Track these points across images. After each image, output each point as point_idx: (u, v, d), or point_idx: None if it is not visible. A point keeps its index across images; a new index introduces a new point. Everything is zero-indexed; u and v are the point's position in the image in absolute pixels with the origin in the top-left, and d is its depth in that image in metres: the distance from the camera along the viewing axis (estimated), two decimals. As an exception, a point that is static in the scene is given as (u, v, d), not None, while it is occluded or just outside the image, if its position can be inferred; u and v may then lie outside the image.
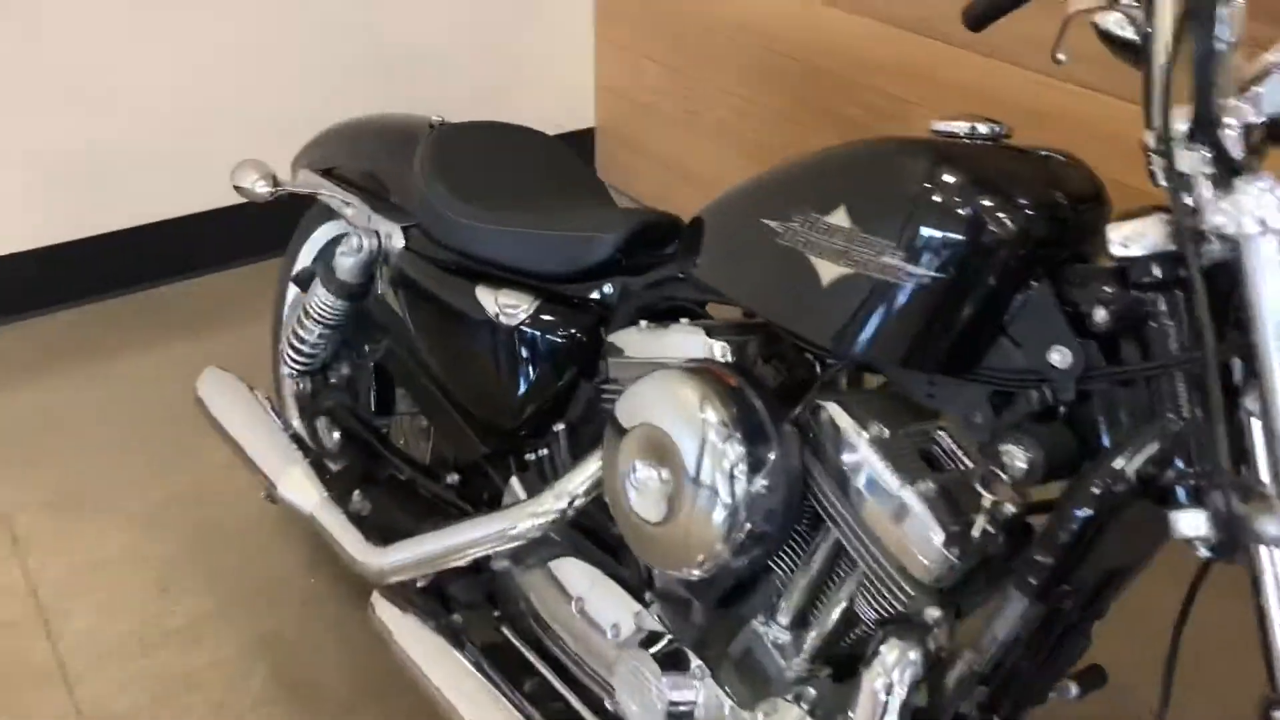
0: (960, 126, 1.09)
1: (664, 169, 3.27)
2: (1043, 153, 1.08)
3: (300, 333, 1.77)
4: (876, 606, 1.11)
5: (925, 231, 1.02)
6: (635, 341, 1.34)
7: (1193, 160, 0.91)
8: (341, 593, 1.96)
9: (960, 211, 1.01)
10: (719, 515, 1.12)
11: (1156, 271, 0.94)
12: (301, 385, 1.85)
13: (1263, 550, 0.87)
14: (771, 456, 1.13)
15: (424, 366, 1.62)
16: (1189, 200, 0.91)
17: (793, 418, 1.16)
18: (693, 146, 3.19)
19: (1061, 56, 1.22)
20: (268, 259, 2.99)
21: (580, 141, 3.48)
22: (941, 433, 1.13)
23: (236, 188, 1.83)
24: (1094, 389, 0.99)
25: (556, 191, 1.62)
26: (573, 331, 1.45)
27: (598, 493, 1.38)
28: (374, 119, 1.89)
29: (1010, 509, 1.02)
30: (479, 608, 1.58)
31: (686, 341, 1.28)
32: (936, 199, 1.02)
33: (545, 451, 1.51)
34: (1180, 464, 0.94)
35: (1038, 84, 2.26)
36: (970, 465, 1.11)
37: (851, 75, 2.64)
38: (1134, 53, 1.08)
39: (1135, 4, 1.10)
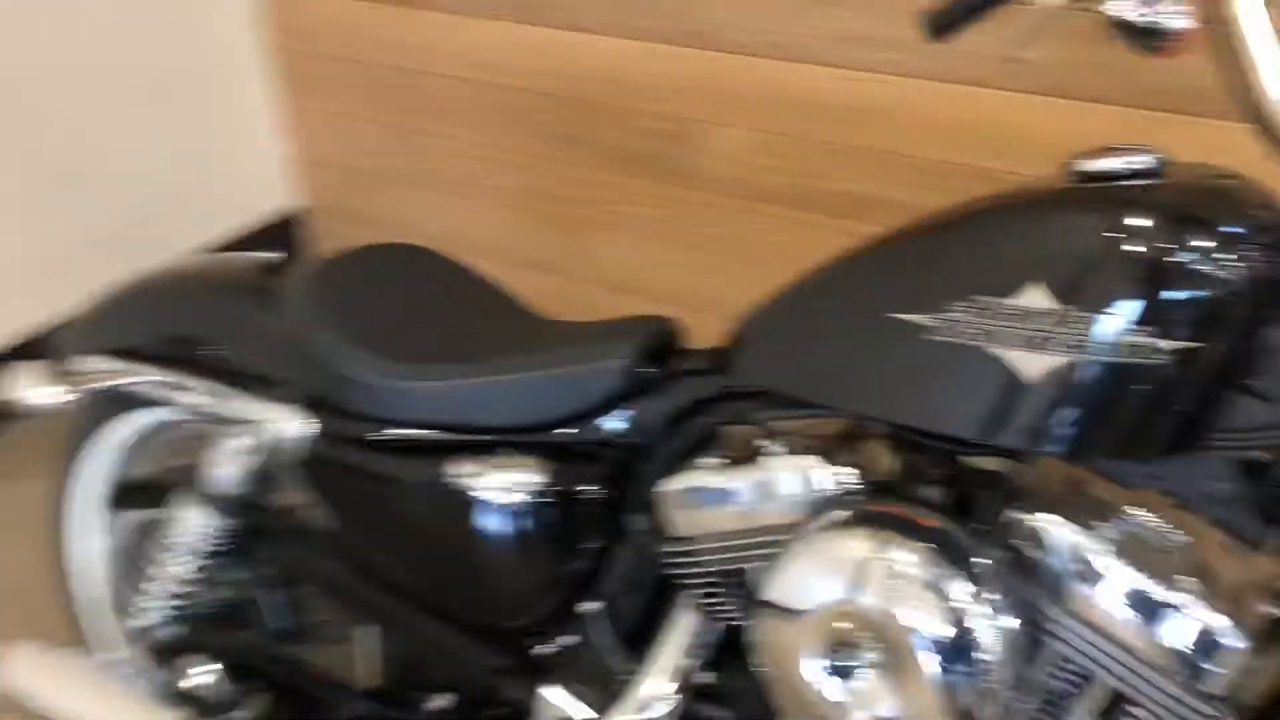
0: (1114, 162, 0.93)
1: (406, 239, 2.92)
2: (1212, 173, 0.93)
3: (169, 571, 1.32)
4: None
5: (1167, 295, 0.85)
6: (713, 491, 1.08)
7: None
8: None
9: (1199, 263, 0.85)
10: (974, 685, 0.90)
11: None
12: (168, 634, 1.40)
13: None
14: (1006, 598, 0.92)
15: (375, 575, 1.26)
16: None
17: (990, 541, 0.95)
18: (438, 208, 2.86)
19: (1020, 53, 1.10)
20: None
21: (286, 227, 3.05)
22: (1142, 512, 0.97)
23: (18, 404, 1.35)
24: None
25: (491, 318, 1.30)
26: (594, 489, 1.16)
27: (692, 685, 1.11)
28: (171, 274, 1.46)
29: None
30: None
31: (796, 474, 1.04)
32: (1169, 255, 0.85)
33: (570, 641, 1.21)
34: None
35: (840, 79, 2.17)
36: (1185, 541, 0.95)
37: (622, 101, 2.44)
38: (1148, 38, 0.98)
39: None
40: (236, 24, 2.81)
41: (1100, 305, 0.86)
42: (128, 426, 1.48)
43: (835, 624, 0.94)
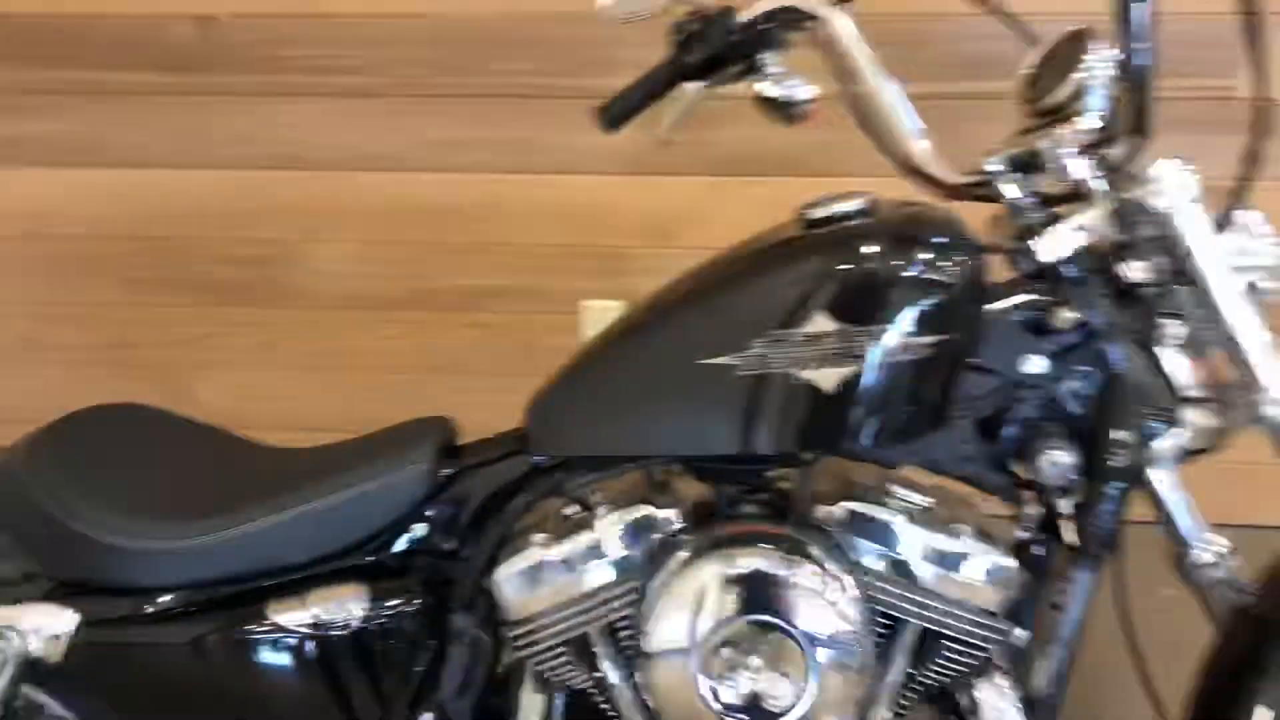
0: (836, 206, 1.12)
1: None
2: (908, 203, 1.16)
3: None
4: (969, 660, 1.13)
5: (918, 302, 1.05)
6: (552, 564, 1.13)
7: (1083, 168, 1.08)
8: None
9: (935, 273, 1.06)
10: (850, 657, 1.05)
11: (1077, 267, 1.10)
12: None
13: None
14: (850, 577, 1.08)
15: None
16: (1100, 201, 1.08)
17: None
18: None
19: (672, 135, 1.30)
20: None
21: None
22: (907, 483, 1.18)
23: None
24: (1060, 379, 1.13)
25: (245, 459, 1.25)
26: (417, 598, 1.16)
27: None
28: None
29: (1059, 505, 1.13)
30: None
31: (622, 529, 1.12)
32: (913, 270, 1.06)
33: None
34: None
35: (438, 182, 2.27)
36: (946, 497, 1.18)
37: (208, 232, 2.35)
38: (786, 109, 1.20)
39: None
40: None
41: (871, 318, 1.05)
42: None
43: (720, 646, 1.04)
